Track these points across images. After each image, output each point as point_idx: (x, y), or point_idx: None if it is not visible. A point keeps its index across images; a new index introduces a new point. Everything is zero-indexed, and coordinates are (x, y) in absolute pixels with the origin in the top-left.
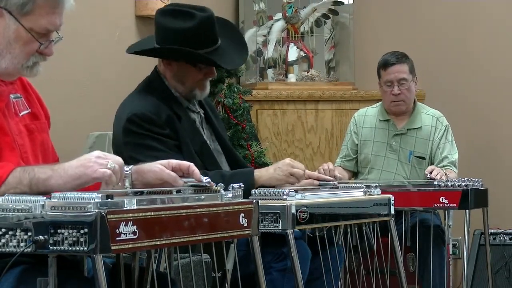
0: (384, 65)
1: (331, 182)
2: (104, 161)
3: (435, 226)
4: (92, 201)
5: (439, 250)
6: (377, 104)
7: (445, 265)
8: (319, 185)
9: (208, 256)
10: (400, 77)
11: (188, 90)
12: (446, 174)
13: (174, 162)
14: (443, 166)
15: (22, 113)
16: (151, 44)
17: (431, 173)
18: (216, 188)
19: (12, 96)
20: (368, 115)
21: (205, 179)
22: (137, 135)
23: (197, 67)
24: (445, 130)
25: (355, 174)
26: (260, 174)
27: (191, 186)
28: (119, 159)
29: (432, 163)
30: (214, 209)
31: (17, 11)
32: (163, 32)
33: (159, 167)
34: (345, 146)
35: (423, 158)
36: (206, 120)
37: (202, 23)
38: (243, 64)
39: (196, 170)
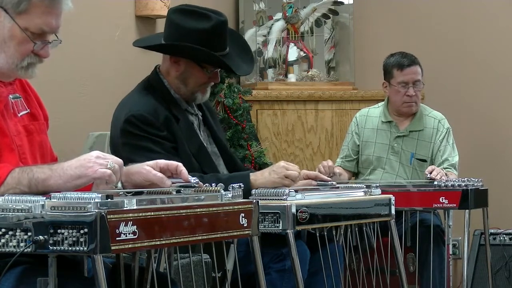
0: (400, 66)
1: (330, 182)
2: (103, 161)
3: (435, 226)
4: (92, 201)
5: (439, 250)
6: (379, 104)
7: (445, 265)
8: (317, 185)
9: (208, 256)
10: (416, 79)
11: (190, 92)
12: (446, 174)
13: (162, 162)
14: (444, 169)
15: (21, 114)
16: (158, 41)
17: (431, 173)
18: (216, 188)
19: (11, 96)
20: (370, 116)
21: (193, 179)
22: (134, 136)
23: (204, 69)
24: (446, 132)
25: (355, 175)
26: (256, 177)
27: (179, 187)
28: (118, 159)
29: None
30: (214, 209)
31: (13, 9)
32: (176, 29)
33: (146, 169)
34: (345, 146)
35: (424, 160)
36: (204, 122)
37: (218, 26)
38: (251, 72)
39: (184, 170)
